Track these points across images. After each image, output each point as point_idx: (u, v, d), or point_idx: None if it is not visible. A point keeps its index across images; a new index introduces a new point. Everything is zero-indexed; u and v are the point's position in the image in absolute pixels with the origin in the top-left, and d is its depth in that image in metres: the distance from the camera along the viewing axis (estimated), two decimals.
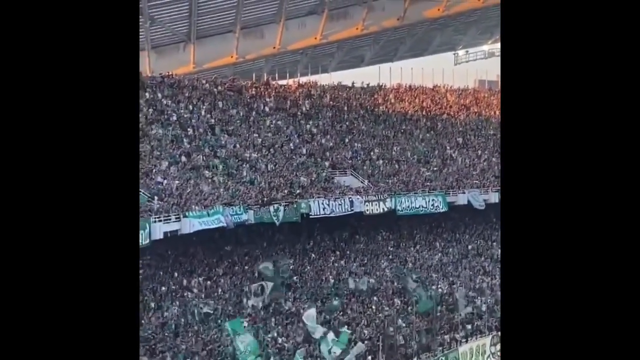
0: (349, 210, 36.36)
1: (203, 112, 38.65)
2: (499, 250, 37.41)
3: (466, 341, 33.13)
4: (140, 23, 38.72)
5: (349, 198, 36.44)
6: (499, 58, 50.25)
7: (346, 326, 30.72)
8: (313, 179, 37.20)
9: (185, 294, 31.07)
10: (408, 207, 38.63)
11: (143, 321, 27.36)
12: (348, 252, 38.79)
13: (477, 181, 42.69)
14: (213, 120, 38.44)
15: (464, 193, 41.05)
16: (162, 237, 28.26)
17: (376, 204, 37.33)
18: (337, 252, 38.53)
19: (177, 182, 31.68)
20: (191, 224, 29.44)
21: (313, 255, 37.67)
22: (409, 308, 33.67)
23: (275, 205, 33.07)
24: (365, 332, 31.25)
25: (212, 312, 30.01)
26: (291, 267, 35.36)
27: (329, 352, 28.01)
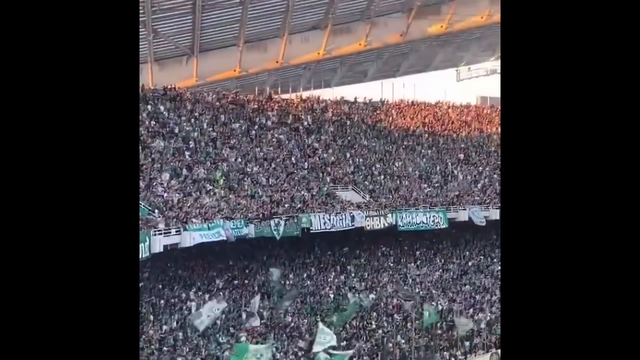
0: (350, 225, 36.30)
1: (205, 126, 38.69)
2: (499, 267, 37.33)
3: (465, 358, 32.98)
4: (143, 36, 38.89)
5: (350, 213, 36.39)
6: None
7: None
8: (314, 193, 37.18)
9: (184, 308, 30.98)
10: (409, 222, 38.55)
11: (144, 336, 27.26)
12: (348, 267, 38.71)
13: (478, 198, 42.64)
14: (215, 134, 38.48)
15: (464, 209, 40.98)
16: (162, 250, 28.21)
17: (377, 220, 37.26)
18: (338, 267, 38.46)
19: (178, 195, 31.66)
20: (191, 237, 29.41)
21: (313, 269, 37.60)
22: (409, 324, 33.56)
23: (276, 220, 33.04)
24: (365, 347, 31.15)
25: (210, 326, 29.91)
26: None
27: None
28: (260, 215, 32.79)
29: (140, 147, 33.33)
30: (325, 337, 28.82)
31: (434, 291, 38.27)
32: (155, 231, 27.83)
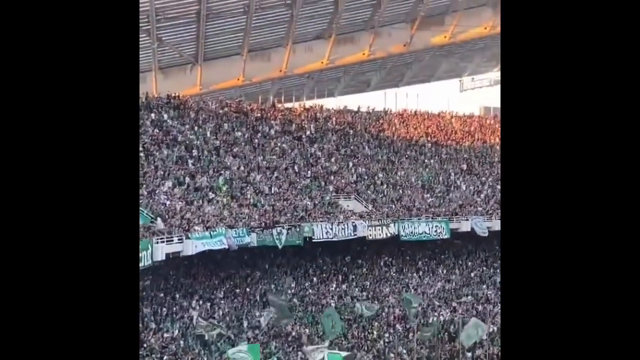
0: (352, 234, 36.29)
1: (208, 134, 38.74)
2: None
3: None
4: (148, 44, 39.00)
5: (352, 222, 36.38)
6: None
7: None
8: (316, 202, 37.17)
9: (185, 316, 30.94)
10: (411, 232, 38.53)
11: (145, 344, 27.21)
12: (350, 277, 38.65)
13: (481, 208, 42.59)
14: (218, 142, 38.52)
15: (467, 220, 40.92)
16: (164, 258, 28.18)
17: (379, 229, 37.25)
18: (339, 277, 38.39)
19: (180, 202, 31.66)
20: (194, 246, 29.40)
21: (315, 279, 37.54)
22: (410, 335, 33.47)
23: (278, 229, 33.04)
24: (366, 358, 31.07)
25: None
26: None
27: None
28: (263, 224, 32.79)
29: (143, 155, 33.39)
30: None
31: (436, 302, 38.17)
32: (157, 239, 27.82)
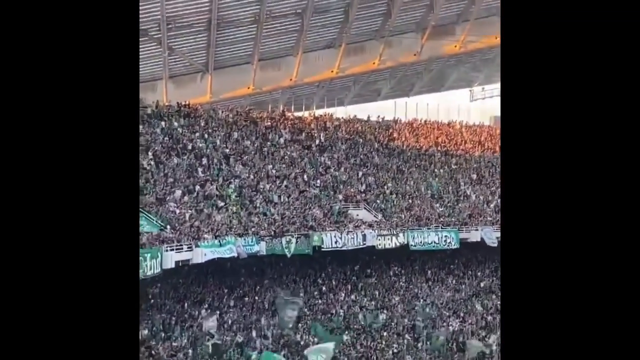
0: (361, 244, 36.22)
1: (218, 142, 38.82)
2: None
3: None
4: (158, 52, 39.21)
5: (362, 232, 36.33)
6: None
7: None
8: (326, 211, 37.14)
9: (194, 325, 30.94)
10: (421, 242, 38.44)
11: (153, 352, 27.23)
12: (359, 286, 38.57)
13: (490, 218, 42.43)
14: (228, 150, 38.59)
15: (477, 230, 40.78)
16: (173, 266, 28.22)
17: (389, 239, 37.17)
18: (349, 286, 38.33)
19: (190, 211, 31.71)
20: (203, 254, 29.43)
21: (324, 288, 37.48)
22: (419, 345, 33.37)
23: (288, 237, 33.03)
24: None
25: (221, 343, 29.83)
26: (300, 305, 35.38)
27: None
28: (272, 233, 32.79)
29: (154, 163, 33.51)
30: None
31: (444, 312, 38.02)
32: (167, 247, 27.87)
